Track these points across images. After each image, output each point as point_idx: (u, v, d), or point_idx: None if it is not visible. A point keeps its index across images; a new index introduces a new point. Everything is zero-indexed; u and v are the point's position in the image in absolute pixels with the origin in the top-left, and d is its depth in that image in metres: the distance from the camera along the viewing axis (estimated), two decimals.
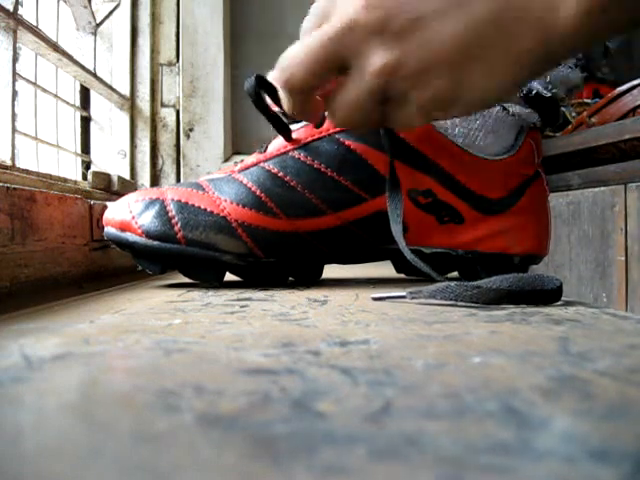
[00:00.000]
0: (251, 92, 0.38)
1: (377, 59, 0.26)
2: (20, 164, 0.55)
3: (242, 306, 0.29)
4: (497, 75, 0.26)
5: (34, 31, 0.57)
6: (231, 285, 0.41)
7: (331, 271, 0.46)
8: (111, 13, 0.83)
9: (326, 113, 0.31)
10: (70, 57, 0.66)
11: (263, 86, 0.37)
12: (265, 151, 0.41)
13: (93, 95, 0.82)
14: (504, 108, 0.41)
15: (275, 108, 0.39)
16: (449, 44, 0.25)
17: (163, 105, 0.89)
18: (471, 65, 0.26)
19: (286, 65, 0.29)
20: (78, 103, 0.80)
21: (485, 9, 0.25)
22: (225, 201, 0.39)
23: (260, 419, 0.12)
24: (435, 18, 0.25)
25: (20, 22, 0.54)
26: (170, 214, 0.39)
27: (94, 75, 0.75)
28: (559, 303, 0.30)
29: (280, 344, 0.19)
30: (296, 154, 0.40)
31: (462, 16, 0.25)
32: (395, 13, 0.26)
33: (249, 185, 0.39)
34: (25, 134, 0.62)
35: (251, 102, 0.39)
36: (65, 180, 0.62)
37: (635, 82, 0.71)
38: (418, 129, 0.39)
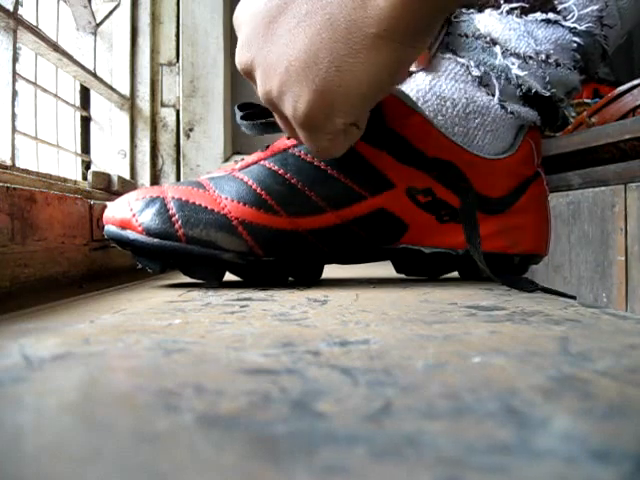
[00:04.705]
0: (254, 128, 0.41)
1: (259, 90, 0.33)
2: (20, 164, 0.55)
3: (242, 306, 0.29)
4: (347, 67, 0.30)
5: (34, 31, 0.57)
6: (231, 285, 0.41)
7: (331, 271, 0.46)
8: (111, 13, 0.83)
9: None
10: (70, 57, 0.66)
11: (248, 109, 0.42)
12: (267, 149, 0.41)
13: (93, 95, 0.82)
14: (503, 107, 0.41)
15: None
16: (296, 60, 0.30)
17: (163, 105, 0.89)
18: (320, 69, 0.30)
19: None
20: (78, 103, 0.80)
21: (312, 32, 0.30)
22: (226, 199, 0.39)
23: (260, 419, 0.12)
24: (285, 43, 0.30)
25: (20, 22, 0.54)
26: (171, 212, 0.39)
27: (94, 75, 0.75)
28: (560, 304, 0.30)
29: (280, 344, 0.19)
30: (297, 151, 0.40)
31: (303, 37, 0.30)
32: (256, 51, 0.32)
33: (250, 183, 0.39)
34: (25, 134, 0.62)
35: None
36: (65, 180, 0.62)
37: (635, 82, 0.71)
38: (417, 128, 0.39)
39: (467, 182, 0.38)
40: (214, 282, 0.40)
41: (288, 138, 0.41)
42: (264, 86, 0.32)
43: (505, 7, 0.40)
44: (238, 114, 0.41)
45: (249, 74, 0.33)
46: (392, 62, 0.29)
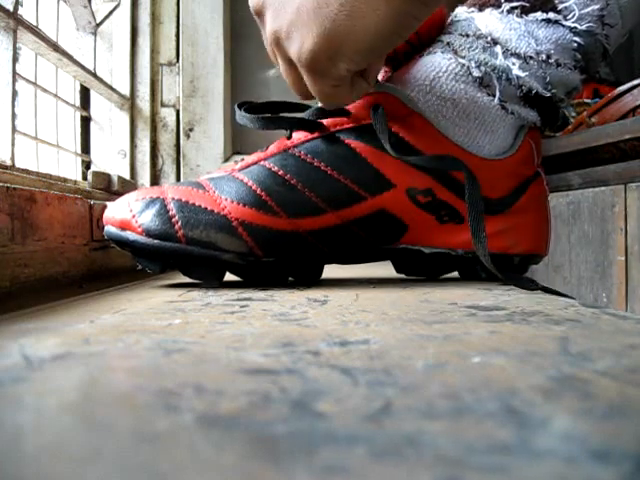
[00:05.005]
0: (254, 121, 0.41)
1: (268, 30, 0.33)
2: (20, 164, 0.55)
3: (242, 306, 0.29)
4: (358, 13, 0.30)
5: (34, 31, 0.57)
6: (231, 285, 0.41)
7: (331, 271, 0.46)
8: (111, 13, 0.83)
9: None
10: (70, 57, 0.66)
11: (254, 109, 0.42)
12: (266, 150, 0.41)
13: (93, 95, 0.82)
14: (503, 107, 0.41)
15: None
16: (308, 1, 0.30)
17: (163, 105, 0.89)
18: (330, 12, 0.30)
19: None
20: (78, 103, 0.80)
21: None
22: (225, 200, 0.39)
23: (260, 419, 0.12)
24: None
25: (20, 22, 0.54)
26: (170, 213, 0.39)
27: (94, 75, 0.75)
28: (560, 304, 0.30)
29: (280, 344, 0.19)
30: (296, 152, 0.40)
31: None
32: None
33: (249, 184, 0.39)
34: (25, 134, 0.62)
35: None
36: (65, 180, 0.62)
37: (635, 82, 0.71)
38: (417, 128, 0.39)
39: (469, 172, 0.37)
40: (214, 282, 0.40)
41: (288, 138, 0.41)
42: (273, 25, 0.33)
43: (506, 6, 0.40)
44: (238, 111, 0.41)
45: (260, 14, 0.34)
46: (402, 14, 0.29)
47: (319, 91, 0.34)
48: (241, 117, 0.41)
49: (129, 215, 0.39)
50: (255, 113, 0.41)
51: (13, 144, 0.53)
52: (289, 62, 0.34)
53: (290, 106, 0.43)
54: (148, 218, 0.39)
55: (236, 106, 0.42)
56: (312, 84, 0.34)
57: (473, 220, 0.37)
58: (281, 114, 0.42)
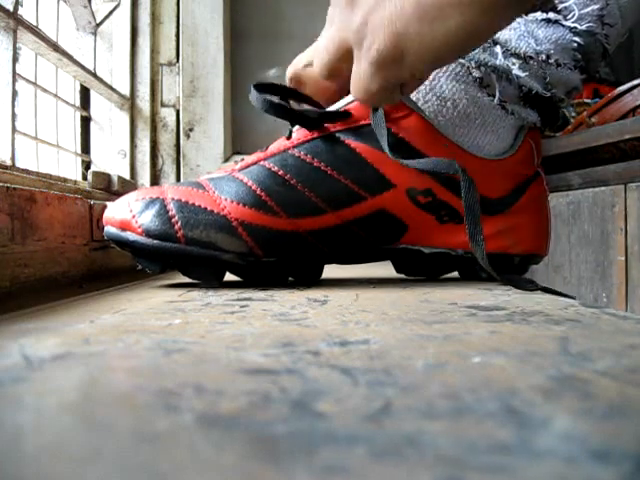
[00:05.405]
0: (261, 102, 0.40)
1: (343, 13, 0.32)
2: (19, 164, 0.55)
3: (242, 306, 0.29)
4: (432, 22, 0.29)
5: (34, 31, 0.57)
6: (231, 285, 0.41)
7: (331, 271, 0.46)
8: (111, 13, 0.83)
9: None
10: (70, 57, 0.66)
11: (265, 90, 0.41)
12: (266, 150, 0.41)
13: (93, 95, 0.82)
14: (503, 108, 0.41)
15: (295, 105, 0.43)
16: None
17: (163, 105, 0.89)
18: (406, 15, 0.30)
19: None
20: (78, 103, 0.80)
21: None
22: (225, 200, 0.39)
23: (260, 419, 0.12)
24: None
25: (20, 22, 0.54)
26: (170, 213, 0.39)
27: (94, 75, 0.75)
28: (560, 304, 0.30)
29: (280, 344, 0.19)
30: (296, 152, 0.40)
31: None
32: None
33: (249, 184, 0.39)
34: (25, 134, 0.62)
35: (261, 109, 0.41)
36: (65, 180, 0.62)
37: (635, 82, 0.71)
38: (417, 128, 0.39)
39: (466, 175, 0.37)
40: (214, 282, 0.40)
41: (288, 138, 0.41)
42: (351, 8, 0.32)
43: None
44: (254, 91, 0.41)
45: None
46: (471, 31, 0.29)
47: (366, 88, 0.34)
48: (254, 95, 0.41)
49: (129, 215, 0.39)
50: (264, 92, 0.41)
51: (13, 144, 0.53)
52: (347, 52, 0.34)
53: (297, 96, 0.43)
54: (148, 218, 0.39)
55: (251, 86, 0.41)
56: (366, 76, 0.33)
57: (470, 223, 0.37)
58: (286, 105, 0.42)
